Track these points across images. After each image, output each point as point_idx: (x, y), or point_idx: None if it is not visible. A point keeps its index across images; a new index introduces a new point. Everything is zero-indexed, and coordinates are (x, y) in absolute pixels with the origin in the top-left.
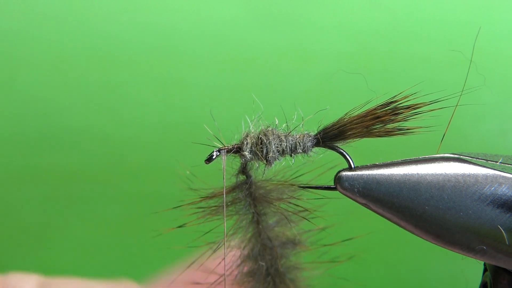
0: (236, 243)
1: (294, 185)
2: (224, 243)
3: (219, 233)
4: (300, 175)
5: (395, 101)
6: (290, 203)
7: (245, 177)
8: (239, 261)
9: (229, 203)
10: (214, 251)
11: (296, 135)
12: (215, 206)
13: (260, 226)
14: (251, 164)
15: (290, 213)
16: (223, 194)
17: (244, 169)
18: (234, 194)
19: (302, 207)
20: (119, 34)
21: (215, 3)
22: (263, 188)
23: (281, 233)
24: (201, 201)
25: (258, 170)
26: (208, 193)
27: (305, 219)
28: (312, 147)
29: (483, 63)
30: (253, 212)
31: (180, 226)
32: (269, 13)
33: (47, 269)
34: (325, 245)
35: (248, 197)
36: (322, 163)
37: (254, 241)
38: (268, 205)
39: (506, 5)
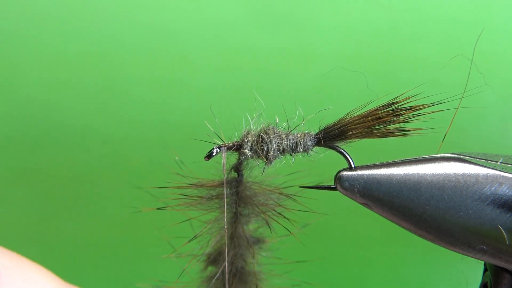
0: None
1: (282, 193)
2: (226, 237)
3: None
4: (291, 174)
5: (397, 102)
6: (274, 210)
7: (237, 175)
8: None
9: (214, 197)
10: (209, 245)
11: (297, 134)
12: (199, 196)
13: (239, 226)
14: (246, 163)
15: (271, 218)
16: (224, 191)
17: (238, 167)
18: (222, 189)
19: (285, 217)
20: (119, 34)
21: (215, 3)
22: (251, 189)
23: (252, 231)
24: (188, 187)
25: (251, 171)
26: (196, 181)
27: (289, 232)
28: (313, 146)
29: (485, 64)
30: (235, 212)
31: (161, 208)
32: (269, 13)
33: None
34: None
35: (235, 195)
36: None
37: (227, 239)
38: (251, 207)
39: (508, 5)
